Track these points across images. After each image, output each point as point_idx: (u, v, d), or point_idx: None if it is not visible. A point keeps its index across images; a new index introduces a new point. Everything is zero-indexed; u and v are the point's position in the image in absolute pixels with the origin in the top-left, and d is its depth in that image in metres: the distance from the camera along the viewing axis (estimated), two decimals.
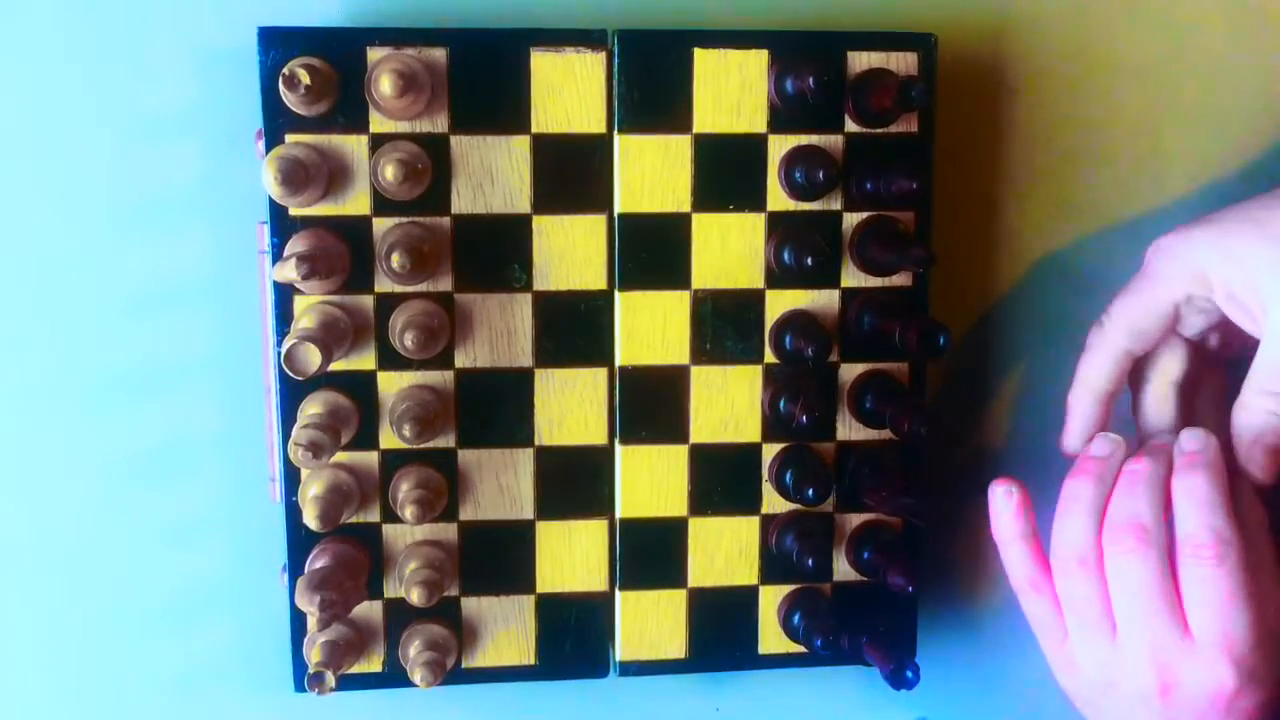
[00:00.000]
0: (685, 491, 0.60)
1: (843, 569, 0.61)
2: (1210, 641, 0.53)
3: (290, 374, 0.52)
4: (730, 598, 0.61)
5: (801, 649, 0.61)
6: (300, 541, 0.58)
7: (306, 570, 0.56)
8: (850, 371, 0.60)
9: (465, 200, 0.57)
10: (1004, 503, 0.57)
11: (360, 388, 0.57)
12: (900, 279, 0.59)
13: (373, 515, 0.58)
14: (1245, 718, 0.54)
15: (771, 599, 0.61)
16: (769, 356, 0.59)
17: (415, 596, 0.55)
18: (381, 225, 0.56)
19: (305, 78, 0.52)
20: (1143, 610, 0.54)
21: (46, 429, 0.60)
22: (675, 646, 0.61)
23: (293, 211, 0.55)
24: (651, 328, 0.58)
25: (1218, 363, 0.60)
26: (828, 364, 0.59)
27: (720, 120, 0.57)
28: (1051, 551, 0.56)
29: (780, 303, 0.59)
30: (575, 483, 0.59)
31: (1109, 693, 0.56)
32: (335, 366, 0.56)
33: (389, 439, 0.57)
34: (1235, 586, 0.52)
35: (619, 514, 0.60)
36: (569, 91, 0.56)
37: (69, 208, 0.59)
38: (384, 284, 0.57)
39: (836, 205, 0.58)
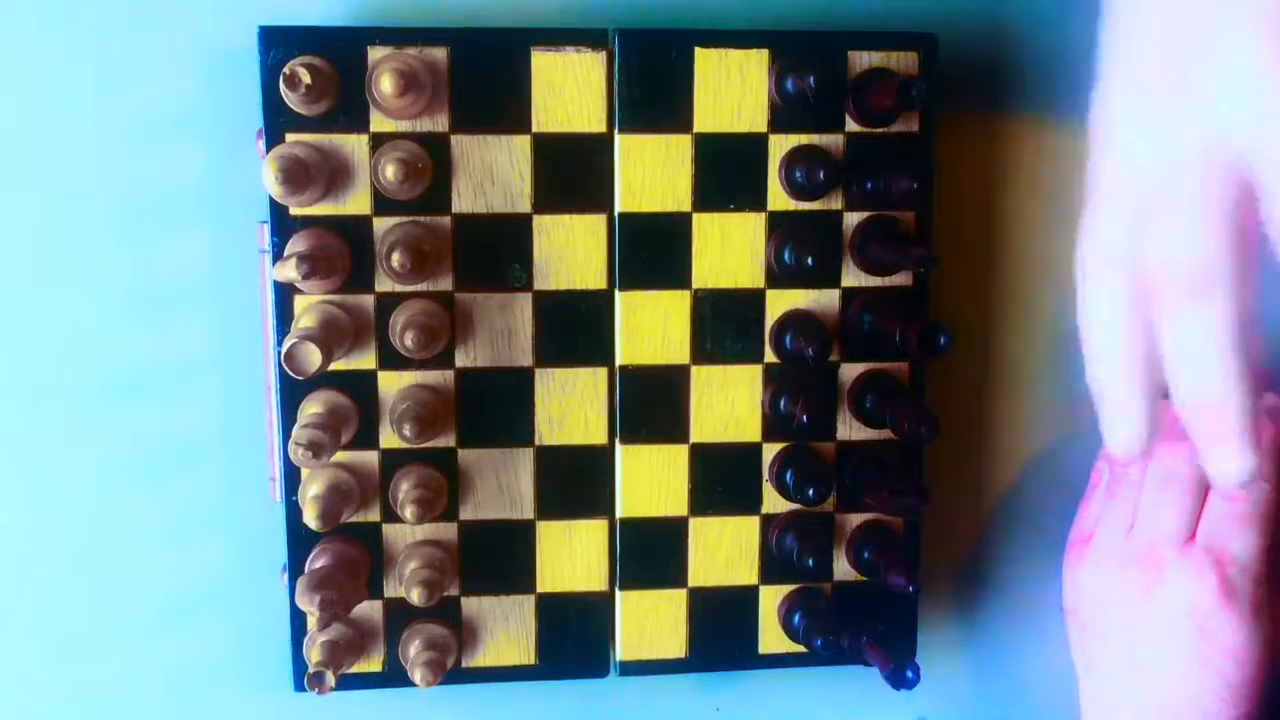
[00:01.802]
0: (685, 491, 0.60)
1: (843, 569, 0.61)
2: (1206, 546, 0.56)
3: (290, 373, 0.52)
4: (730, 597, 0.61)
5: (801, 649, 0.61)
6: (300, 541, 0.57)
7: (306, 570, 0.56)
8: (850, 371, 0.60)
9: (466, 200, 0.57)
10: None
11: (360, 387, 0.57)
12: (901, 279, 0.59)
13: (373, 515, 0.58)
14: (1222, 648, 0.55)
15: (771, 599, 0.61)
16: (769, 356, 0.59)
17: (415, 596, 0.55)
18: (382, 224, 0.56)
19: (306, 77, 0.52)
20: (1163, 500, 0.57)
21: (46, 428, 0.60)
22: (675, 646, 0.61)
23: (293, 211, 0.56)
24: (652, 327, 0.58)
25: None
26: (828, 363, 0.59)
27: (721, 120, 0.57)
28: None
29: (780, 302, 0.59)
30: (575, 482, 0.59)
31: (1107, 610, 0.58)
32: (335, 366, 0.56)
33: (389, 438, 0.57)
34: (1253, 515, 0.56)
35: (619, 514, 0.60)
36: (569, 91, 0.56)
37: (69, 207, 0.59)
38: (384, 283, 0.57)
39: (837, 205, 0.58)
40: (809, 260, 0.56)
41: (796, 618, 0.60)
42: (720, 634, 0.61)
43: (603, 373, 0.59)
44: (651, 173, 0.57)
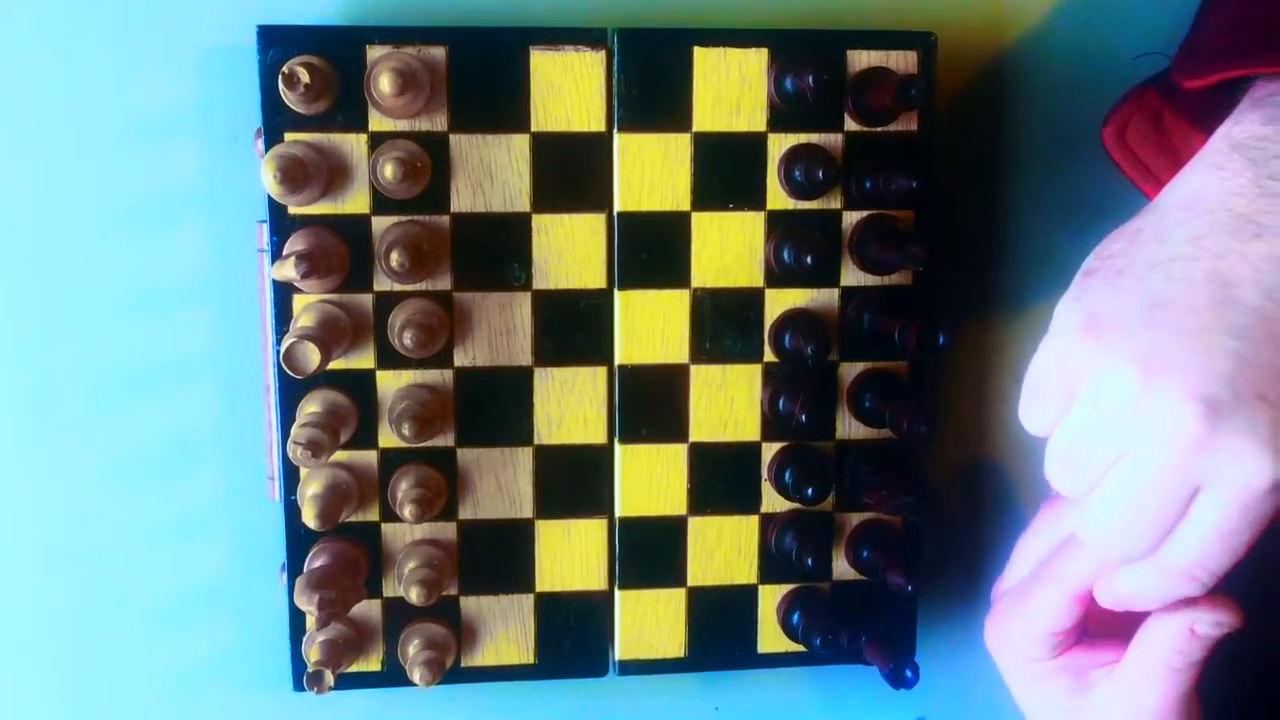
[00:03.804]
0: (684, 490, 0.60)
1: (842, 568, 0.61)
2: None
3: (289, 373, 0.52)
4: (729, 597, 0.61)
5: (801, 648, 0.61)
6: (299, 540, 0.57)
7: (305, 569, 0.56)
8: (850, 370, 0.60)
9: (464, 199, 0.57)
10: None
11: (359, 386, 0.57)
12: (900, 278, 0.59)
13: (372, 514, 0.58)
14: None
15: (771, 598, 0.61)
16: (769, 355, 0.59)
17: (414, 595, 0.55)
18: (381, 224, 0.56)
19: (305, 76, 0.52)
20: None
21: (46, 428, 0.60)
22: (674, 646, 0.61)
23: (292, 210, 0.55)
24: (651, 326, 0.58)
25: None
26: (827, 363, 0.59)
27: (720, 119, 0.57)
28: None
29: (780, 301, 0.59)
30: (574, 482, 0.59)
31: None
32: (334, 365, 0.56)
33: (388, 438, 0.57)
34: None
35: (618, 513, 0.60)
36: (569, 90, 0.56)
37: (68, 207, 0.59)
38: (383, 283, 0.56)
39: (836, 204, 0.58)
40: (808, 259, 0.56)
41: (796, 617, 0.60)
42: (719, 633, 0.61)
43: (602, 372, 0.59)
44: (651, 172, 0.57)
